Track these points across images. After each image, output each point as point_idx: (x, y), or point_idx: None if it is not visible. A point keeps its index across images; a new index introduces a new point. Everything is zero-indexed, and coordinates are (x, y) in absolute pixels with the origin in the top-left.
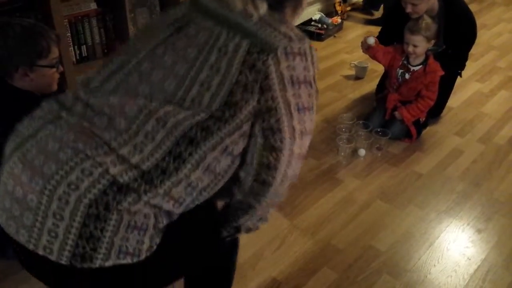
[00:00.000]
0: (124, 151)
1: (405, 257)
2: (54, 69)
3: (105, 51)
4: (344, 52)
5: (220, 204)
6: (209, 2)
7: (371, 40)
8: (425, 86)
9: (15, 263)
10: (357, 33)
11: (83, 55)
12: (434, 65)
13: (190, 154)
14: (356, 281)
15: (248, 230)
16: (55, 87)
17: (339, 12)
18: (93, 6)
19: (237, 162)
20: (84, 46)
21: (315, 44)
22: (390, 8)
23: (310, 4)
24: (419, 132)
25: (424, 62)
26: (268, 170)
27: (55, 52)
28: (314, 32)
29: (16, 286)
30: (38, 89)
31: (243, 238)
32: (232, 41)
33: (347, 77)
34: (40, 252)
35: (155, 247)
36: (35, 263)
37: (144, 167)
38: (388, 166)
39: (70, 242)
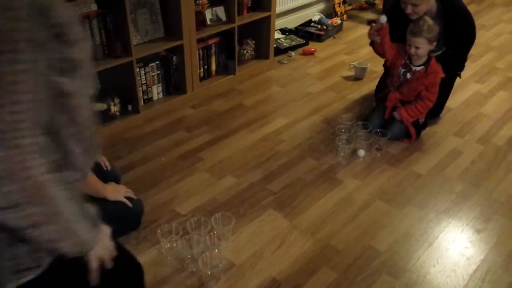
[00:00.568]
0: None
1: (404, 257)
2: None
3: (106, 52)
4: (343, 53)
5: None
6: None
7: (384, 19)
8: (425, 87)
9: None
10: (357, 34)
11: None
12: (436, 66)
13: None
14: (356, 281)
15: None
16: None
17: (339, 13)
18: (94, 7)
19: None
20: None
21: (315, 45)
22: (389, 9)
23: (310, 5)
24: (418, 133)
25: (426, 63)
26: None
27: None
28: (313, 33)
29: None
30: None
31: (242, 238)
32: None
33: (347, 78)
34: None
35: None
36: None
37: None
38: (387, 167)
39: None
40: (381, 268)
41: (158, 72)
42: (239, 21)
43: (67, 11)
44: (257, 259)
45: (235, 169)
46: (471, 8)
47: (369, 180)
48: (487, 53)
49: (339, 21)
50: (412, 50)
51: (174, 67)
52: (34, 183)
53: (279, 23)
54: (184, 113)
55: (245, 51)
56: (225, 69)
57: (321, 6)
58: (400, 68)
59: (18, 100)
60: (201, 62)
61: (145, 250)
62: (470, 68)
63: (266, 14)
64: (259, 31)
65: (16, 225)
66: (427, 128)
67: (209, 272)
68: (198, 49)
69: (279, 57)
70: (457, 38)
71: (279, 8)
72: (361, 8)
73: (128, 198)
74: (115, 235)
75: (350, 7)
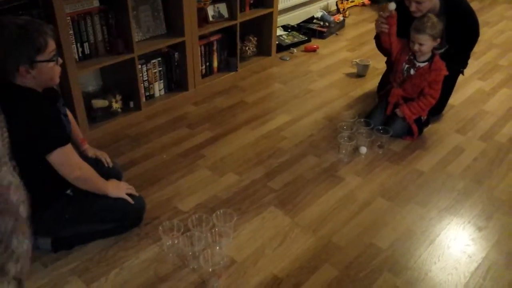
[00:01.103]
0: None
1: (405, 255)
2: (54, 63)
3: (108, 48)
4: (346, 50)
5: None
6: None
7: (393, 6)
8: (428, 84)
9: None
10: (359, 31)
11: (86, 53)
12: (440, 63)
13: None
14: (357, 279)
15: None
16: (57, 80)
17: (341, 10)
18: (96, 3)
19: None
20: (87, 43)
21: (317, 42)
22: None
23: (313, 2)
24: (420, 130)
25: (430, 60)
26: None
27: (52, 46)
28: (316, 30)
29: None
30: (41, 84)
31: (244, 235)
32: None
33: (349, 75)
34: None
35: None
36: None
37: None
38: (389, 164)
39: None
40: (382, 266)
41: (160, 69)
42: (241, 18)
43: None
44: (259, 256)
45: (237, 166)
46: (474, 5)
47: (371, 178)
48: (490, 50)
49: (341, 18)
50: (416, 47)
51: (176, 64)
52: None
53: (281, 19)
54: (185, 110)
55: (247, 48)
56: (227, 66)
57: (323, 2)
58: (404, 64)
59: None
60: (203, 59)
61: (146, 247)
62: (473, 65)
63: (268, 10)
64: (261, 28)
65: None
66: (429, 125)
67: (210, 269)
68: (200, 46)
69: (281, 54)
70: (460, 35)
71: (281, 4)
72: (364, 5)
73: (129, 195)
74: (116, 232)
75: (352, 4)
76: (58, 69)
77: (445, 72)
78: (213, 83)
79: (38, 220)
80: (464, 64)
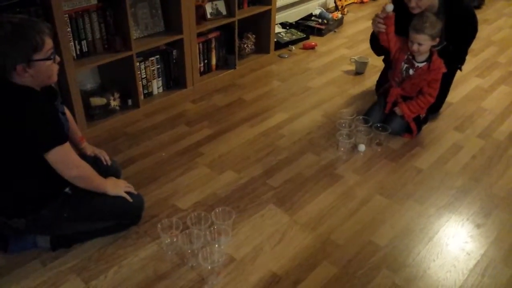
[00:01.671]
0: None
1: (404, 252)
2: (51, 61)
3: (106, 46)
4: (344, 47)
5: None
6: None
7: (390, 7)
8: (427, 83)
9: (16, 259)
10: (358, 28)
11: (84, 50)
12: (438, 62)
13: None
14: (356, 276)
15: None
16: (55, 78)
17: (339, 7)
18: (94, 1)
19: None
20: (85, 41)
21: (316, 39)
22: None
23: None
24: (419, 128)
25: (429, 59)
26: None
27: (49, 44)
28: (314, 27)
29: (17, 282)
30: (38, 83)
31: (243, 233)
32: None
33: (347, 72)
34: None
35: None
36: None
37: None
38: (387, 162)
39: None
40: (381, 263)
41: (158, 66)
42: (239, 15)
43: None
44: (257, 254)
45: (235, 164)
46: (473, 2)
47: (369, 175)
48: (488, 48)
49: (340, 15)
50: (415, 47)
51: (174, 61)
52: None
53: (280, 17)
54: (184, 107)
55: (245, 45)
56: (225, 63)
57: (321, 0)
58: (403, 63)
59: None
60: (201, 56)
61: (145, 245)
62: (471, 62)
63: (266, 8)
64: (259, 25)
65: None
66: (428, 123)
67: (209, 267)
68: (198, 43)
69: (279, 52)
70: (459, 32)
71: (279, 2)
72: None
73: (128, 193)
74: (115, 230)
75: (350, 1)
76: (55, 68)
77: (443, 70)
78: (212, 80)
79: (36, 218)
80: (462, 60)
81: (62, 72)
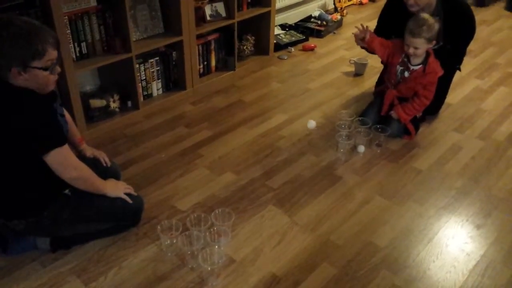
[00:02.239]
0: None
1: (404, 253)
2: (48, 72)
3: (105, 48)
4: (343, 48)
5: None
6: None
7: (312, 124)
8: (423, 86)
9: (16, 261)
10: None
11: (83, 52)
12: (434, 64)
13: None
14: (356, 277)
15: None
16: (50, 88)
17: (339, 8)
18: (93, 3)
19: None
20: (84, 43)
21: (315, 41)
22: (388, 3)
23: (310, 0)
24: (417, 128)
25: (425, 62)
26: None
27: (51, 55)
28: (313, 29)
29: (17, 283)
30: (34, 87)
31: (242, 234)
32: None
33: (347, 74)
34: None
35: None
36: None
37: None
38: (387, 163)
39: None
40: (381, 264)
41: (158, 68)
42: (238, 17)
43: None
44: (257, 255)
45: (235, 165)
46: (471, 3)
47: (369, 176)
48: (487, 49)
49: (339, 17)
50: (411, 51)
51: (174, 63)
52: None
53: (279, 18)
54: (183, 109)
55: (244, 47)
56: (225, 65)
57: (321, 1)
58: (398, 66)
59: None
60: (200, 58)
61: (145, 246)
62: (470, 63)
63: (266, 9)
64: (258, 27)
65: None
66: (427, 124)
67: (209, 268)
68: (198, 45)
69: (279, 53)
70: (456, 31)
71: (279, 3)
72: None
73: (128, 194)
74: (114, 232)
75: (350, 2)
76: (53, 78)
77: (440, 73)
78: (211, 82)
79: (36, 220)
80: (460, 61)
81: (61, 74)
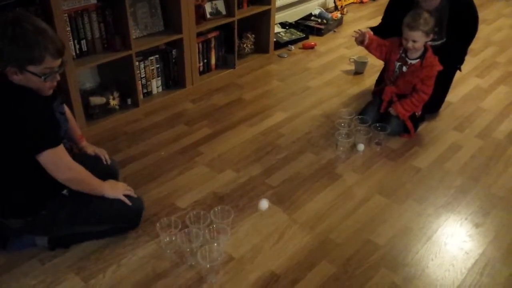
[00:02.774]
0: None
1: (403, 251)
2: (42, 79)
3: (105, 45)
4: (343, 47)
5: None
6: None
7: (264, 205)
8: (420, 80)
9: (15, 258)
10: (357, 28)
11: (83, 50)
12: (432, 59)
13: None
14: (354, 275)
15: None
16: (44, 93)
17: (339, 7)
18: (93, 0)
19: None
20: (84, 40)
21: (315, 39)
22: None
23: None
24: (416, 126)
25: (422, 56)
26: None
27: (48, 63)
28: (314, 27)
29: (17, 280)
30: (31, 87)
31: (241, 232)
32: None
33: (347, 72)
34: None
35: None
36: None
37: None
38: (387, 161)
39: None
40: (380, 262)
41: (158, 65)
42: (239, 15)
43: None
44: (256, 253)
45: (235, 163)
46: None
47: (368, 175)
48: (488, 48)
49: (339, 15)
50: (410, 44)
51: (174, 60)
52: None
53: (279, 17)
54: (183, 107)
55: (244, 45)
56: (225, 63)
57: (321, 0)
58: (396, 62)
59: None
60: (200, 56)
61: (144, 243)
62: (470, 62)
63: (266, 7)
64: (259, 25)
65: None
66: (427, 123)
67: (208, 266)
68: (198, 43)
69: (279, 51)
70: (460, 29)
71: (279, 1)
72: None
73: (127, 196)
74: (112, 233)
75: (350, 1)
76: (49, 85)
77: (438, 67)
78: (211, 80)
79: (33, 220)
80: (461, 60)
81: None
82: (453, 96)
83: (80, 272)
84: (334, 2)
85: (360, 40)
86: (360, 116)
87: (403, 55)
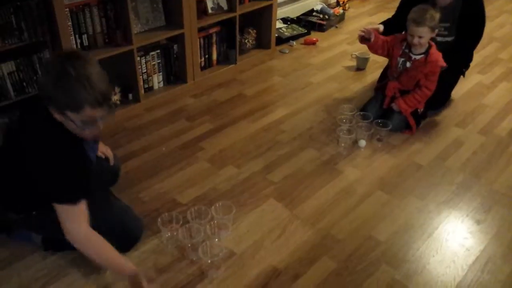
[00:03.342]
0: None
1: (404, 248)
2: (81, 126)
3: (106, 40)
4: (345, 43)
5: None
6: None
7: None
8: (424, 76)
9: (17, 252)
10: (359, 24)
11: (84, 44)
12: (436, 55)
13: None
14: (355, 271)
15: None
16: (85, 138)
17: (341, 2)
18: None
19: None
20: (85, 35)
21: (317, 35)
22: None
23: None
24: (418, 123)
25: (426, 52)
26: None
27: (88, 112)
28: (315, 22)
29: (18, 274)
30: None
31: (243, 227)
32: None
33: (348, 68)
34: None
35: None
36: None
37: None
38: (388, 157)
39: None
40: (380, 258)
41: (159, 61)
42: (240, 10)
43: None
44: (258, 248)
45: (236, 158)
46: None
47: (369, 171)
48: (490, 44)
49: (341, 11)
50: (415, 40)
51: (175, 56)
52: None
53: (281, 12)
54: (184, 102)
55: (246, 41)
56: (226, 58)
57: None
58: (399, 58)
59: None
60: (202, 51)
61: (145, 238)
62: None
63: (267, 3)
64: (260, 20)
65: None
66: (429, 119)
67: (209, 261)
68: (199, 38)
69: (280, 47)
70: (467, 30)
71: None
72: None
73: (127, 217)
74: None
75: None
76: (88, 133)
77: (442, 63)
78: (212, 75)
79: (26, 217)
80: (467, 65)
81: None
82: (455, 92)
83: (81, 267)
84: None
85: (367, 37)
86: (361, 112)
87: (406, 50)
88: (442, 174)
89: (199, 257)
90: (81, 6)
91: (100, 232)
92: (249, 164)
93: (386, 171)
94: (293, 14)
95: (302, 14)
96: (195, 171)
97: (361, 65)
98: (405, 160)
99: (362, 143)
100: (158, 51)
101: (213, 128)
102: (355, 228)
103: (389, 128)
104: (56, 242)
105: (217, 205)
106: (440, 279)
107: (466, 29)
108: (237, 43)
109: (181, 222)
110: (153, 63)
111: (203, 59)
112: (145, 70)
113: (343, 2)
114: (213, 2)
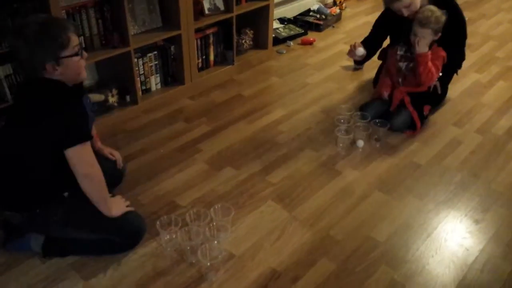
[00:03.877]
0: None
1: (403, 248)
2: (79, 57)
3: (103, 42)
4: (342, 42)
5: None
6: None
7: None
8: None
9: (15, 257)
10: (356, 23)
11: (81, 46)
12: (438, 49)
13: None
14: (355, 272)
15: None
16: (84, 74)
17: (338, 2)
18: None
19: None
20: (82, 37)
21: (314, 34)
22: (382, 17)
23: None
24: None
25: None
26: None
27: (75, 40)
28: (312, 22)
29: (16, 279)
30: (69, 80)
31: (242, 229)
32: None
33: (346, 68)
34: None
35: None
36: None
37: None
38: (386, 157)
39: None
40: (380, 259)
41: (156, 62)
42: (237, 11)
43: None
44: (257, 250)
45: (234, 160)
46: None
47: (368, 171)
48: (487, 43)
49: (338, 11)
50: (418, 40)
51: (172, 57)
52: None
53: (278, 12)
54: (182, 103)
55: (243, 41)
56: (224, 59)
57: None
58: (400, 64)
59: None
60: (199, 52)
61: (144, 241)
62: (469, 57)
63: (264, 3)
64: (257, 21)
65: None
66: (426, 118)
67: (208, 264)
68: (196, 39)
69: (277, 47)
70: (450, 36)
71: None
72: None
73: (129, 213)
74: (108, 250)
75: None
76: (83, 63)
77: (442, 53)
78: (210, 76)
79: (29, 215)
80: (460, 65)
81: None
82: (452, 91)
83: (80, 271)
84: None
85: (353, 54)
86: (359, 112)
87: (407, 54)
88: (441, 174)
89: (198, 260)
90: (77, 8)
91: (108, 231)
92: (247, 166)
93: (384, 171)
94: (290, 14)
95: (299, 14)
96: (194, 173)
97: (358, 65)
98: (403, 160)
99: (360, 143)
100: (155, 52)
101: (211, 130)
102: (354, 229)
103: (387, 127)
104: (58, 246)
105: (216, 207)
106: (439, 279)
107: (449, 38)
108: (234, 44)
109: (180, 225)
110: (150, 64)
111: (200, 60)
112: (142, 72)
113: (340, 1)
114: (210, 2)
